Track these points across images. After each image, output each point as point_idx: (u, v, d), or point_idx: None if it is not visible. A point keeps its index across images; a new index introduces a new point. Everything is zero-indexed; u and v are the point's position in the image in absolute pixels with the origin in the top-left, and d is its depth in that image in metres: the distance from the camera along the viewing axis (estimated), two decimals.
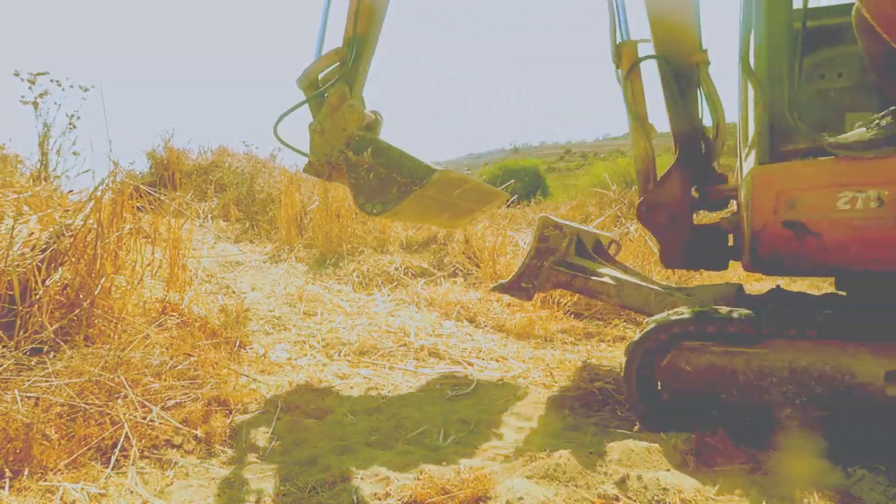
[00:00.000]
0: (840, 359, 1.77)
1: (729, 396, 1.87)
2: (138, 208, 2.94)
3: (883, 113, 1.88)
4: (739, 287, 2.30)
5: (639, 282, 2.49)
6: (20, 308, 2.14)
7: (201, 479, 1.65)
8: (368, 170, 2.50)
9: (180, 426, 1.85)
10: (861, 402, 1.74)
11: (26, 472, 1.51)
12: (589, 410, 2.28)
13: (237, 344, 2.71)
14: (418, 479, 1.60)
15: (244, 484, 1.63)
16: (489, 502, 1.47)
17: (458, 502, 1.48)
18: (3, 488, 1.46)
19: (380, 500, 1.51)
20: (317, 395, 2.41)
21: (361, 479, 1.62)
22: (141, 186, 2.98)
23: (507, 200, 4.44)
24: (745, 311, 1.91)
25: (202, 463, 1.74)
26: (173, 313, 2.55)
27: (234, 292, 3.97)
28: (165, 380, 2.09)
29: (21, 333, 2.08)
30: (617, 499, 1.49)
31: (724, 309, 1.93)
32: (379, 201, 2.49)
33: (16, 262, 2.20)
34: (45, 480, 1.51)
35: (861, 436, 1.74)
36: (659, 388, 1.97)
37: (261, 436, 1.95)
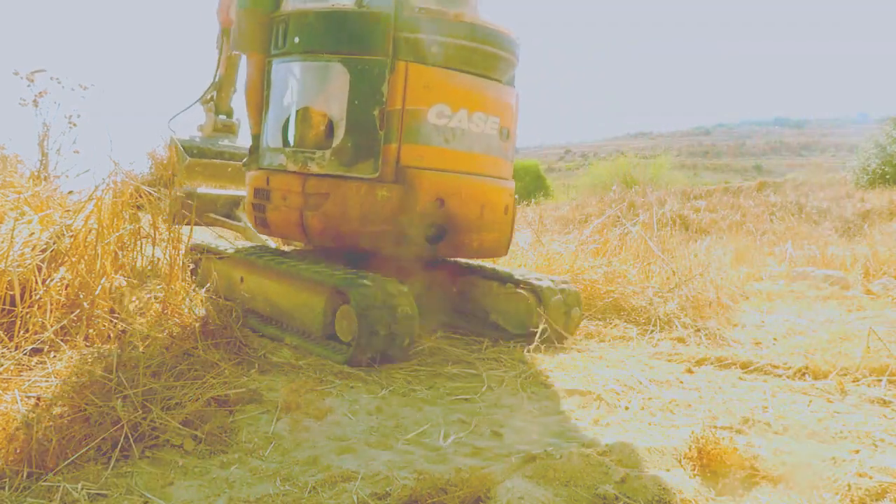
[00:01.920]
0: (230, 267, 3.26)
1: (213, 281, 3.10)
2: (138, 207, 2.95)
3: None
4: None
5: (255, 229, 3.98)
6: (20, 308, 2.14)
7: (201, 479, 1.65)
8: (179, 155, 4.21)
9: (180, 426, 1.85)
10: (236, 291, 3.11)
11: (26, 472, 1.51)
12: (589, 411, 2.28)
13: (237, 344, 2.71)
14: (418, 479, 1.60)
15: (244, 484, 1.63)
16: (489, 502, 1.47)
17: (458, 502, 1.48)
18: (3, 488, 1.46)
19: (380, 499, 1.52)
20: (317, 395, 2.41)
21: (361, 479, 1.62)
22: (141, 186, 2.99)
23: None
24: (236, 246, 3.44)
25: (202, 463, 1.74)
26: (173, 313, 2.56)
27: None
28: (165, 380, 2.09)
29: (21, 333, 2.09)
30: (617, 499, 1.49)
31: (227, 243, 3.52)
32: (180, 171, 4.18)
33: (16, 263, 2.20)
34: (45, 480, 1.51)
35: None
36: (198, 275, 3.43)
37: (261, 436, 1.95)
